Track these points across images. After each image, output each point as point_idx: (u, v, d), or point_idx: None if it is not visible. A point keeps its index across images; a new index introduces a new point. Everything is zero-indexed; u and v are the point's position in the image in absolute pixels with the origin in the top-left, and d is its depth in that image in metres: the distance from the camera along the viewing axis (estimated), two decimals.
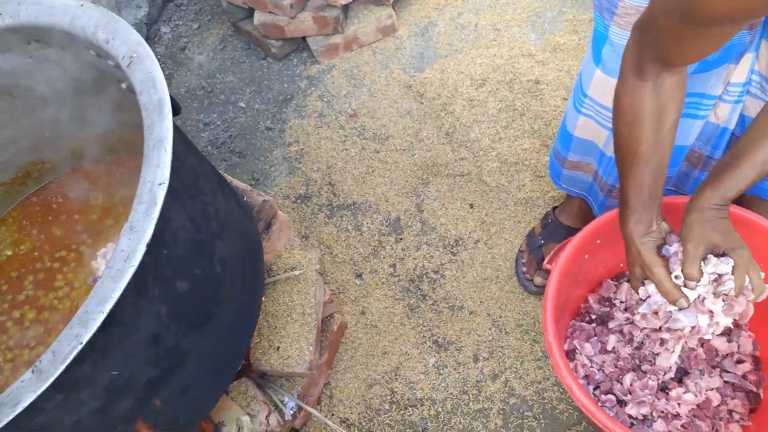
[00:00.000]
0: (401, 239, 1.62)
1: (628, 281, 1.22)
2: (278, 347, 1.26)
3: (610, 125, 1.05)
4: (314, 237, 1.66)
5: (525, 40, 1.83)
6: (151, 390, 0.86)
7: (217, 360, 1.00)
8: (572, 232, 1.42)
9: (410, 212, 1.65)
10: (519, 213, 1.57)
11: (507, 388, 1.35)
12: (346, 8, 1.89)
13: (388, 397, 1.41)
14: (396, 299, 1.54)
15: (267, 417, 1.23)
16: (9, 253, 1.26)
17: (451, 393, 1.37)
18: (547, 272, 1.43)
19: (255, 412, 1.21)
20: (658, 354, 1.11)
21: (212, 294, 0.95)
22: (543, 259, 1.44)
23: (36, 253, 1.24)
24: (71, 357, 0.65)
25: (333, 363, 1.48)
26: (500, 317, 1.46)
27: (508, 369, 1.37)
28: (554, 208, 1.48)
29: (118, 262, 0.70)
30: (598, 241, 1.10)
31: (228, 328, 1.01)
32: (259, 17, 1.89)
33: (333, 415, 1.40)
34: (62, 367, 0.64)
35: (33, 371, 0.65)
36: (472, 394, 1.36)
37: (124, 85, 1.04)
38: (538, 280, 1.44)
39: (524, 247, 1.50)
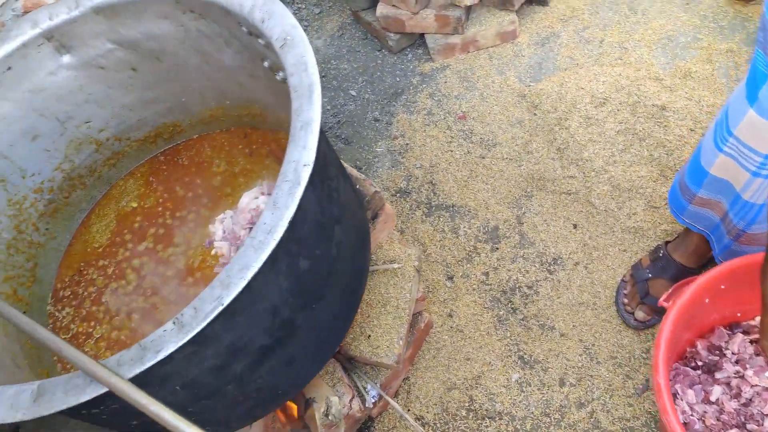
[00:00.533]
0: (497, 249, 1.60)
1: (744, 333, 1.16)
2: (369, 336, 1.28)
3: (754, 168, 0.99)
4: (410, 232, 1.67)
5: (653, 62, 1.76)
6: (262, 356, 0.89)
7: (320, 338, 1.03)
8: (684, 270, 1.36)
9: (510, 223, 1.63)
10: (626, 241, 1.51)
11: (592, 420, 1.31)
12: (468, 9, 1.88)
13: (466, 404, 1.40)
14: (485, 308, 1.53)
15: (350, 401, 1.25)
16: (134, 205, 1.35)
17: (532, 413, 1.35)
18: (650, 307, 1.38)
19: (340, 393, 1.24)
20: None
21: (326, 275, 0.97)
22: (647, 293, 1.38)
23: (159, 209, 1.32)
24: (212, 316, 0.68)
25: (415, 359, 1.49)
26: (593, 345, 1.41)
27: (596, 400, 1.33)
28: (667, 243, 1.42)
29: (260, 233, 0.73)
30: (722, 287, 1.04)
31: (334, 309, 1.04)
32: (381, 9, 1.91)
33: (409, 410, 1.41)
34: (203, 324, 0.68)
35: (175, 323, 0.69)
36: (554, 418, 1.33)
37: (266, 64, 1.08)
38: (639, 314, 1.39)
39: (628, 277, 1.44)
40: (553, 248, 1.56)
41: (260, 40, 0.97)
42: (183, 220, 1.29)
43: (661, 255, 1.40)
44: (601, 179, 1.59)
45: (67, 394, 0.67)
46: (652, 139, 1.60)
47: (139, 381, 0.67)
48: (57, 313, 1.24)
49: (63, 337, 1.20)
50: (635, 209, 1.54)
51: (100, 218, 1.34)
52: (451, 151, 1.78)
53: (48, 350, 1.18)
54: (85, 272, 1.27)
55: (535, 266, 1.55)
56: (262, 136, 1.36)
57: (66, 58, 1.13)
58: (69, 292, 1.26)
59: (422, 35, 1.98)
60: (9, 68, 1.08)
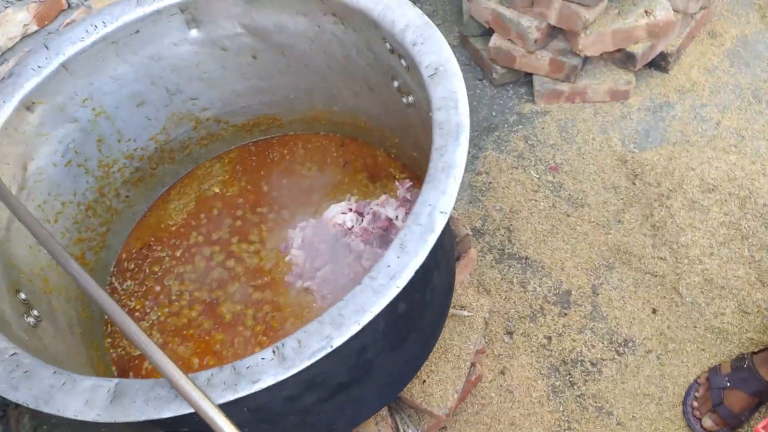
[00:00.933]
0: (566, 314, 1.52)
1: None
2: (424, 381, 1.22)
3: None
4: (476, 276, 1.60)
5: None
6: (334, 392, 0.84)
7: (393, 379, 0.97)
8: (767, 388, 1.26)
9: (584, 291, 1.54)
10: (707, 340, 1.41)
11: None
12: (585, 60, 1.81)
13: None
14: (541, 374, 1.44)
15: None
16: (217, 190, 1.31)
17: None
18: (720, 418, 1.28)
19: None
20: None
21: (416, 319, 0.91)
22: (721, 403, 1.29)
23: (240, 200, 1.28)
24: (318, 356, 0.63)
25: (457, 410, 1.41)
26: None
27: None
28: (753, 354, 1.31)
29: (383, 276, 0.67)
30: None
31: (412, 352, 0.97)
32: (495, 41, 1.85)
33: None
34: (308, 363, 0.62)
35: (275, 352, 0.64)
36: None
37: (396, 84, 1.03)
38: (707, 422, 1.29)
39: (703, 380, 1.34)
40: (626, 329, 1.47)
41: (402, 61, 0.92)
42: (262, 218, 1.25)
43: (745, 366, 1.30)
44: (693, 269, 1.49)
45: (147, 403, 0.62)
46: (757, 239, 1.50)
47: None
48: (117, 285, 1.20)
49: None
50: (724, 309, 1.44)
51: (180, 196, 1.31)
52: (536, 200, 1.70)
53: (100, 329, 1.14)
54: (153, 248, 1.24)
55: (603, 343, 1.46)
56: (360, 149, 1.31)
57: (193, 33, 1.10)
58: (133, 266, 1.22)
59: (529, 75, 1.91)
60: (137, 31, 1.05)
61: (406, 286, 0.78)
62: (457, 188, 0.72)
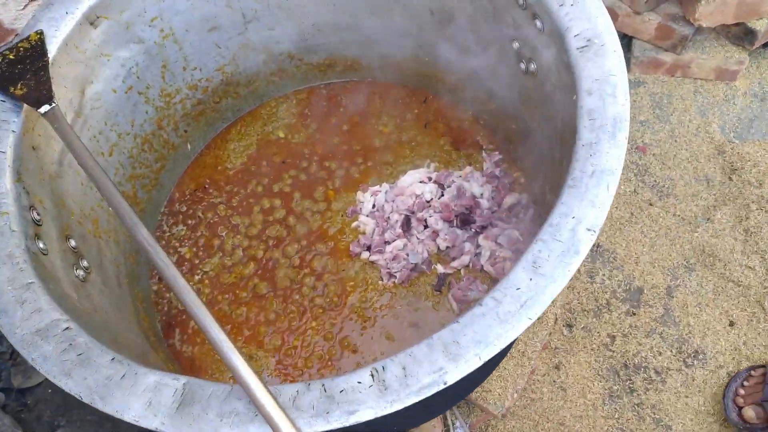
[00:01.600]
0: (634, 314, 1.40)
1: None
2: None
3: None
4: None
5: None
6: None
7: (465, 387, 0.87)
8: None
9: (658, 290, 1.42)
10: None
11: None
12: (696, 30, 1.59)
13: None
14: (599, 375, 1.34)
15: None
16: (281, 135, 1.18)
17: None
18: (766, 412, 1.18)
19: (431, 425, 1.10)
20: None
21: None
22: None
23: (306, 151, 1.15)
24: (427, 393, 0.52)
25: None
26: None
27: None
28: None
29: (510, 301, 0.55)
30: None
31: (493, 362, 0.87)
32: None
33: None
34: (414, 400, 0.52)
35: (373, 377, 0.53)
36: None
37: (515, 45, 0.87)
38: (749, 413, 1.19)
39: (758, 373, 1.24)
40: (699, 339, 1.35)
41: (537, 22, 0.76)
42: (330, 173, 1.12)
43: None
44: None
45: (222, 418, 0.52)
46: None
47: None
48: (166, 228, 1.10)
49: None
50: None
51: (240, 136, 1.19)
52: None
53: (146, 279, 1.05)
54: (209, 191, 1.13)
55: (671, 351, 1.35)
56: (445, 109, 1.16)
57: None
58: (185, 208, 1.12)
59: (629, 38, 1.70)
60: None
61: None
62: (610, 202, 0.58)
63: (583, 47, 0.68)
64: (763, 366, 1.26)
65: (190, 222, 1.10)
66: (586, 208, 0.58)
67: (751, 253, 1.41)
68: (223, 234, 1.08)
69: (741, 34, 1.57)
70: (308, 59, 1.16)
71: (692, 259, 1.44)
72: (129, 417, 0.53)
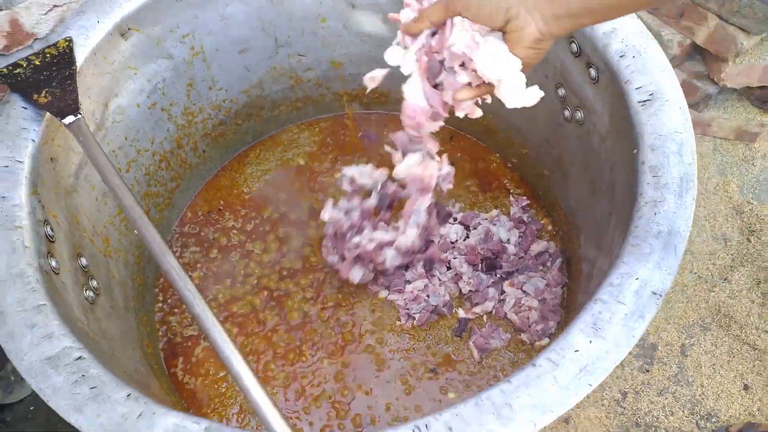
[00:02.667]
0: (648, 371, 1.35)
1: None
2: None
3: None
4: None
5: None
6: None
7: None
8: None
9: (672, 348, 1.38)
10: None
11: None
12: (719, 90, 1.60)
13: None
14: None
15: None
16: (302, 162, 1.15)
17: None
18: None
19: None
20: None
21: None
22: None
23: (326, 178, 1.11)
24: None
25: None
26: None
27: None
28: None
29: (569, 364, 0.51)
30: None
31: None
32: (700, 36, 1.59)
33: None
34: None
35: None
36: None
37: (562, 93, 0.85)
38: None
39: (734, 430, 1.20)
40: (712, 401, 1.31)
41: (592, 71, 0.74)
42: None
43: None
44: None
45: None
46: None
47: None
48: (176, 248, 1.05)
49: None
50: None
51: (259, 161, 1.15)
52: None
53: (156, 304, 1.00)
54: (223, 213, 1.08)
55: (683, 412, 1.30)
56: (472, 149, 1.14)
57: None
58: (198, 230, 1.07)
59: None
60: None
61: None
62: (678, 265, 0.55)
63: (645, 101, 0.65)
64: (741, 424, 1.23)
65: (201, 245, 1.05)
66: (653, 271, 0.54)
67: None
68: (235, 260, 1.03)
69: (763, 97, 1.57)
70: (335, 88, 1.13)
71: (708, 318, 1.41)
72: None
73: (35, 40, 1.02)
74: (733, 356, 1.36)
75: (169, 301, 0.99)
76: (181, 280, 0.55)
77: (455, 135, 1.16)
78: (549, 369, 0.51)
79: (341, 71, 1.09)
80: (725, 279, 1.44)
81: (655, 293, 0.53)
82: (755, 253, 1.46)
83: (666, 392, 1.33)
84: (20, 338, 0.55)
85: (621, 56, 0.68)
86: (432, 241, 0.99)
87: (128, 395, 0.52)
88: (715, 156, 1.64)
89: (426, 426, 0.50)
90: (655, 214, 0.57)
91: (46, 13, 1.02)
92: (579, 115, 0.81)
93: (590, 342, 0.52)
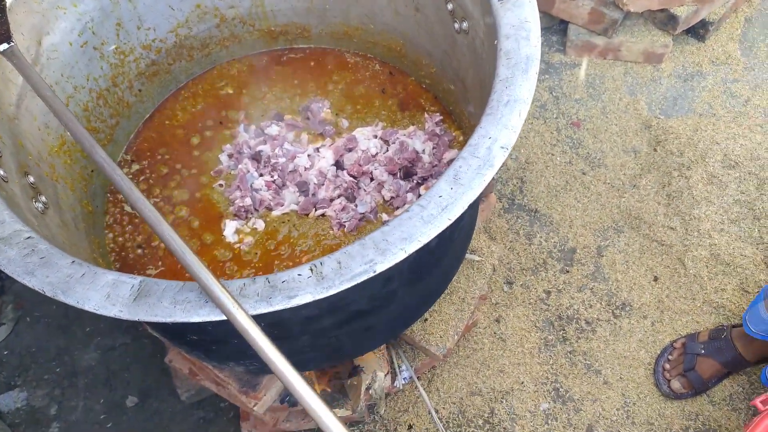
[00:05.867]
0: (568, 272, 1.51)
1: None
2: (426, 319, 1.20)
3: None
4: (481, 222, 1.57)
5: None
6: (350, 318, 0.81)
7: (404, 314, 0.95)
8: (740, 361, 1.29)
9: (589, 250, 1.53)
10: (703, 314, 1.42)
11: None
12: (625, 15, 1.73)
13: (485, 415, 1.34)
14: (536, 326, 1.45)
15: (385, 376, 1.18)
16: (230, 91, 1.24)
17: None
18: (689, 382, 1.31)
19: (380, 367, 1.17)
20: None
21: (441, 255, 0.88)
22: (692, 368, 1.32)
23: (257, 106, 1.21)
24: (357, 280, 0.59)
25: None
26: (633, 404, 1.34)
27: None
28: (734, 327, 1.33)
29: (433, 206, 0.63)
30: None
31: (429, 289, 0.95)
32: None
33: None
34: (346, 286, 0.59)
35: (312, 270, 0.60)
36: None
37: (450, 6, 0.95)
38: (675, 384, 1.32)
39: (679, 345, 1.36)
40: (626, 293, 1.47)
41: None
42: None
43: (723, 336, 1.32)
44: (702, 242, 1.49)
45: (175, 305, 0.58)
46: None
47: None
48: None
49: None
50: (725, 285, 1.44)
51: (189, 94, 1.23)
52: (553, 154, 1.66)
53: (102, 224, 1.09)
54: (157, 149, 1.17)
55: (600, 304, 1.47)
56: (390, 72, 1.24)
57: None
58: (137, 168, 1.16)
59: (564, 23, 1.82)
60: None
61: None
62: (521, 125, 0.67)
63: (504, 0, 0.77)
64: (683, 338, 1.38)
65: (140, 177, 1.14)
66: (501, 130, 0.67)
67: (673, 215, 1.54)
68: (173, 186, 1.13)
69: (665, 20, 1.71)
70: (260, 25, 1.22)
71: (620, 222, 1.56)
72: (89, 306, 0.58)
73: None
74: (644, 252, 1.52)
75: (120, 228, 1.08)
76: (108, 166, 0.65)
77: (380, 64, 1.26)
78: (418, 212, 0.63)
79: (263, 7, 1.18)
80: (634, 186, 1.60)
81: (503, 147, 0.65)
82: (660, 160, 1.62)
83: (585, 288, 1.49)
84: None
85: None
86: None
87: (72, 262, 0.62)
88: (626, 78, 1.78)
89: (321, 263, 0.61)
90: (506, 87, 0.69)
91: None
92: (465, 25, 0.92)
93: (451, 188, 0.64)
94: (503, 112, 0.68)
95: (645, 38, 1.73)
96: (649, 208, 1.56)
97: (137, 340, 1.47)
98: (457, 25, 0.96)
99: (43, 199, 0.83)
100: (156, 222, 0.62)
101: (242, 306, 0.57)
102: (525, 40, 0.72)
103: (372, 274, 0.59)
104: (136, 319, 0.57)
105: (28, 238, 0.64)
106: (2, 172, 0.74)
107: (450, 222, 0.62)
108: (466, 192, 0.63)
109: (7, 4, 0.83)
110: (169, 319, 0.57)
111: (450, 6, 0.95)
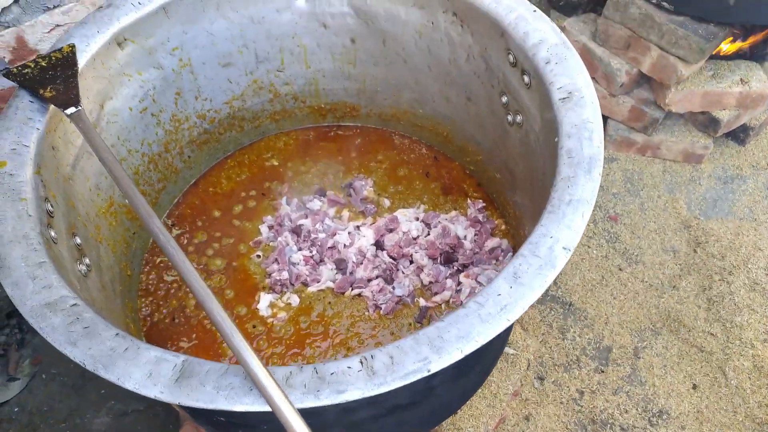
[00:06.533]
0: (603, 372, 1.44)
1: None
2: (456, 413, 1.15)
3: None
4: None
5: None
6: (389, 412, 0.77)
7: (441, 409, 0.90)
8: None
9: (625, 350, 1.47)
10: (746, 429, 1.34)
11: None
12: (666, 114, 1.74)
13: None
14: (567, 429, 1.37)
15: None
16: (275, 163, 1.25)
17: None
18: None
19: None
20: None
21: (484, 351, 0.85)
22: None
23: (299, 179, 1.22)
24: (411, 379, 0.56)
25: None
26: None
27: None
28: None
29: (492, 305, 0.61)
30: None
31: (468, 384, 0.91)
32: (645, 65, 1.73)
33: None
34: (399, 384, 0.56)
35: (362, 363, 0.57)
36: None
37: (504, 99, 0.97)
38: None
39: None
40: (663, 400, 1.40)
41: (525, 78, 0.86)
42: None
43: None
44: (744, 352, 1.42)
45: (218, 391, 0.55)
46: None
47: None
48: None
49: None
50: None
51: (236, 163, 1.25)
52: (589, 247, 1.63)
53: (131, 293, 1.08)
54: (199, 216, 1.18)
55: (637, 410, 1.39)
56: (432, 156, 1.25)
57: (299, 2, 1.05)
58: (177, 233, 1.16)
59: (604, 117, 1.84)
60: None
61: None
62: (584, 226, 0.65)
63: (564, 98, 0.77)
64: None
65: (180, 242, 1.14)
66: (563, 230, 0.65)
67: (714, 320, 1.48)
68: (211, 254, 1.12)
69: (706, 122, 1.72)
70: (311, 102, 1.25)
71: (659, 323, 1.51)
72: (130, 385, 0.55)
73: (37, 56, 1.13)
74: (683, 358, 1.45)
75: (154, 294, 1.07)
76: (163, 237, 0.64)
77: (437, 155, 1.27)
78: (475, 309, 0.61)
79: (315, 86, 1.21)
80: (674, 287, 1.55)
81: (565, 248, 0.63)
82: (700, 262, 1.58)
83: (620, 391, 1.42)
84: (23, 287, 0.63)
85: (546, 63, 0.80)
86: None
87: (116, 334, 0.60)
88: (665, 176, 1.78)
89: (372, 356, 0.59)
90: (568, 186, 0.68)
91: (48, 32, 1.14)
92: (519, 118, 0.93)
93: (510, 287, 0.61)
94: (565, 212, 0.66)
95: (685, 138, 1.74)
96: (688, 311, 1.50)
97: (151, 408, 1.42)
98: (510, 118, 0.96)
99: (87, 261, 0.83)
100: (205, 298, 0.60)
101: (289, 398, 0.53)
102: (588, 140, 0.72)
103: (426, 374, 0.56)
104: (177, 402, 0.54)
105: (74, 305, 0.62)
106: (53, 234, 0.73)
107: (509, 323, 0.59)
108: (527, 293, 0.61)
109: (79, 70, 0.86)
110: (211, 406, 0.54)
111: (504, 99, 0.96)
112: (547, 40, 0.83)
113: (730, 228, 1.62)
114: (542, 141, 0.84)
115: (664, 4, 1.48)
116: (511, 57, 0.89)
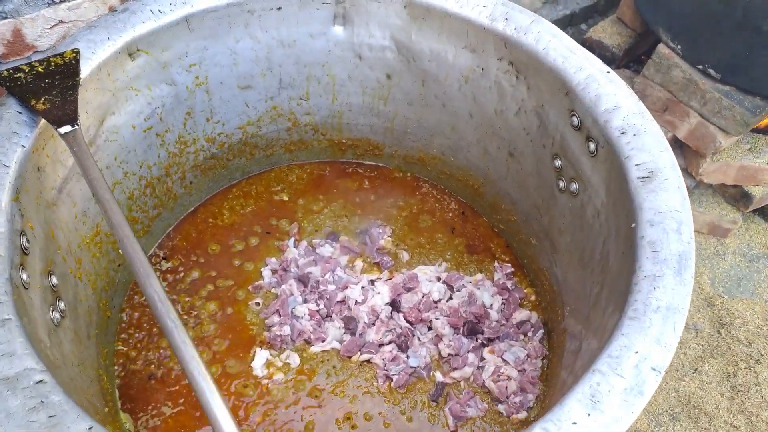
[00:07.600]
0: None
1: None
2: None
3: None
4: None
5: None
6: None
7: None
8: None
9: None
10: None
11: None
12: (696, 184, 1.66)
13: None
14: None
15: None
16: (285, 198, 1.13)
17: None
18: None
19: None
20: None
21: None
22: None
23: (309, 219, 1.10)
24: None
25: None
26: None
27: None
28: None
29: None
30: None
31: None
32: (682, 131, 1.60)
33: None
34: None
35: None
36: None
37: (558, 163, 0.86)
38: None
39: None
40: None
41: (591, 144, 0.75)
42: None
43: None
44: None
45: None
46: None
47: None
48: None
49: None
50: None
51: (241, 193, 1.12)
52: None
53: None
54: (195, 250, 1.05)
55: None
56: (458, 208, 1.14)
57: (337, 30, 0.94)
58: (168, 266, 1.02)
59: None
60: (279, 8, 0.88)
61: None
62: (676, 344, 0.54)
63: (644, 178, 0.66)
64: None
65: (168, 278, 1.01)
66: (652, 346, 0.53)
67: (737, 412, 1.37)
68: (204, 295, 0.99)
69: (737, 196, 1.64)
70: (331, 136, 1.14)
71: (677, 408, 1.39)
72: None
73: (34, 52, 1.01)
74: None
75: (132, 337, 0.93)
76: (162, 306, 0.52)
77: (453, 199, 1.16)
78: None
79: (339, 119, 1.10)
80: (696, 370, 1.44)
81: (654, 369, 0.52)
82: (725, 346, 1.47)
83: None
84: None
85: (622, 133, 0.70)
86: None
87: (90, 429, 0.47)
88: None
89: None
90: (654, 288, 0.57)
91: (51, 28, 1.01)
92: (574, 186, 0.82)
93: (588, 415, 0.50)
94: (653, 321, 0.55)
95: (713, 210, 1.65)
96: (710, 398, 1.39)
97: None
98: (562, 184, 0.86)
99: (61, 305, 0.69)
100: (196, 373, 0.47)
101: None
102: (676, 233, 0.61)
103: None
104: None
105: (40, 381, 0.49)
106: (25, 277, 0.60)
107: None
108: (611, 425, 0.49)
109: (80, 80, 0.74)
110: None
111: (558, 162, 0.85)
112: (623, 107, 0.72)
113: (756, 311, 1.52)
114: (606, 219, 0.73)
115: (711, 71, 1.40)
116: (575, 119, 0.78)
